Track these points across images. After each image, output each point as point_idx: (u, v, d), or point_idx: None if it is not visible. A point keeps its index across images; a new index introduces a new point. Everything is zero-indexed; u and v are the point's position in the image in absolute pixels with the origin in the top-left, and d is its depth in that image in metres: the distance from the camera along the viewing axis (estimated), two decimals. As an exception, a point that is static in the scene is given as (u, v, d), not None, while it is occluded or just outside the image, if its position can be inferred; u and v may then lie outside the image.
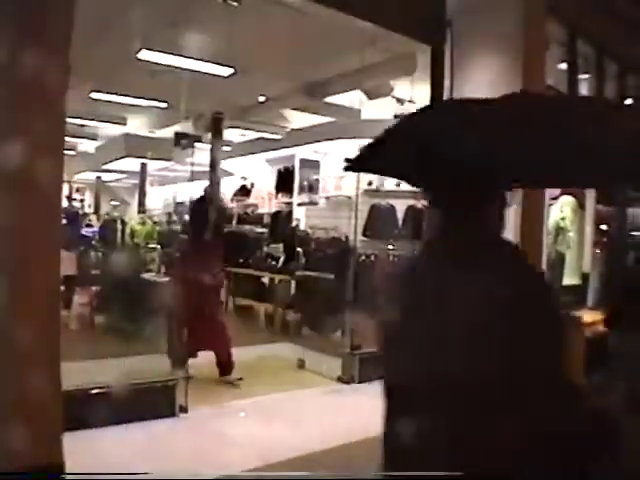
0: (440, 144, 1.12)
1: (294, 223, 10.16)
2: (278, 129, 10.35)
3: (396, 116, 8.77)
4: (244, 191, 12.30)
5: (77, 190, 16.72)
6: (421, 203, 8.05)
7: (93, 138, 12.28)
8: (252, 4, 5.20)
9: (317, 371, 5.68)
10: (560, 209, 6.76)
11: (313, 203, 10.28)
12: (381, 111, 8.46)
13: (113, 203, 14.64)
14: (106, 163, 13.37)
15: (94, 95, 8.06)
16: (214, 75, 6.57)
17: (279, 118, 9.81)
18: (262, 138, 11.15)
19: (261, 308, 8.02)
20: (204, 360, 5.22)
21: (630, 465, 1.13)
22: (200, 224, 5.33)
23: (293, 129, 10.18)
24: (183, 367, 5.09)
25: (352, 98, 7.48)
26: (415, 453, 1.15)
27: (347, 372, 5.45)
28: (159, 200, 16.33)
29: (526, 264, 1.20)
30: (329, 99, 8.42)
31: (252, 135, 11.24)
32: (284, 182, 11.20)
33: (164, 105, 8.72)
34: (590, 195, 7.09)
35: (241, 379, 5.05)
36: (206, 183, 11.17)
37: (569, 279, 6.66)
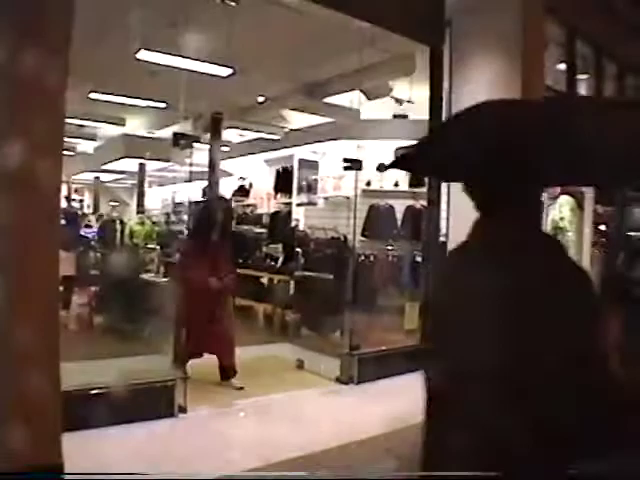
0: (484, 144, 1.16)
1: (293, 223, 10.16)
2: (277, 129, 10.36)
3: (395, 116, 8.81)
4: (243, 191, 12.31)
5: (76, 190, 16.72)
6: (420, 203, 8.06)
7: (92, 138, 12.27)
8: (251, 4, 5.20)
9: (316, 371, 5.68)
10: (559, 209, 6.77)
11: (312, 203, 10.29)
12: (380, 111, 8.48)
13: (112, 203, 14.63)
14: (105, 163, 13.36)
15: (93, 95, 8.06)
16: (213, 75, 6.57)
17: (278, 118, 9.81)
18: (261, 138, 11.15)
19: (260, 308, 8.02)
20: (203, 360, 5.21)
21: None
22: (208, 225, 5.22)
23: (292, 129, 10.19)
24: (184, 368, 5.11)
25: (351, 98, 7.47)
26: (469, 448, 1.16)
27: (346, 372, 5.45)
28: (158, 200, 16.33)
29: (568, 258, 1.24)
30: (328, 99, 8.42)
31: (251, 135, 11.24)
32: (283, 182, 11.21)
33: (163, 105, 8.71)
34: (589, 195, 7.10)
35: (242, 388, 5.02)
36: (205, 183, 11.21)
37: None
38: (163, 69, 6.11)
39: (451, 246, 5.29)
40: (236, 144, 12.05)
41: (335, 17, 5.20)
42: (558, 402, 1.09)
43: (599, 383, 1.10)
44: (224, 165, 11.46)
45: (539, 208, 1.31)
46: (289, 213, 10.74)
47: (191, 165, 6.36)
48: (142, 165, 13.32)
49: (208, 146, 10.34)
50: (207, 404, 4.60)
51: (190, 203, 12.46)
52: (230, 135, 11.30)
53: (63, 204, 8.65)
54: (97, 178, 15.98)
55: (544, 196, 1.33)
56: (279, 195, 11.35)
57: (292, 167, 10.97)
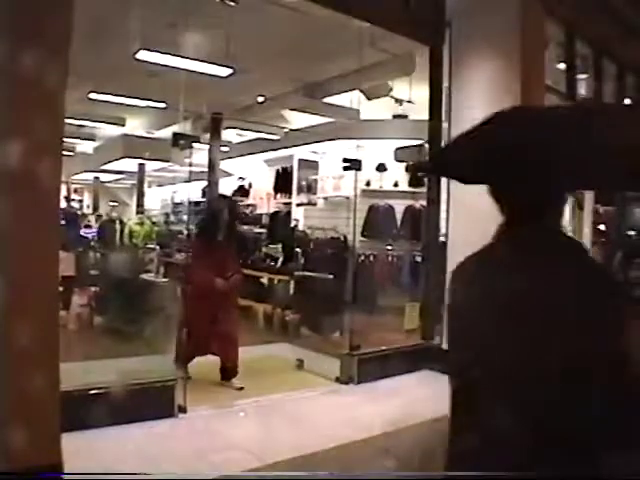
0: (515, 148, 1.20)
1: (293, 223, 10.16)
2: (276, 129, 10.36)
3: (395, 116, 8.82)
4: (243, 191, 12.31)
5: (75, 191, 16.74)
6: (419, 203, 8.07)
7: (91, 139, 12.28)
8: (250, 4, 5.20)
9: (316, 371, 5.68)
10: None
11: (312, 203, 10.29)
12: (380, 111, 8.48)
13: (111, 204, 14.64)
14: (104, 164, 13.37)
15: (92, 96, 8.06)
16: (212, 75, 6.58)
17: (278, 118, 9.81)
18: (260, 138, 11.15)
19: (260, 308, 8.01)
20: (204, 360, 5.21)
21: None
22: (214, 224, 5.18)
23: (292, 129, 10.19)
24: (186, 368, 5.10)
25: (351, 98, 7.47)
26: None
27: (346, 373, 5.45)
28: (157, 200, 16.34)
29: (593, 261, 1.29)
30: (328, 99, 8.42)
31: (251, 135, 11.24)
32: (283, 182, 11.21)
33: (162, 105, 8.71)
34: (588, 195, 7.10)
35: (242, 388, 5.02)
36: (204, 184, 11.21)
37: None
38: (163, 69, 6.11)
39: (451, 246, 5.28)
40: (236, 144, 12.05)
41: (335, 17, 5.20)
42: (591, 403, 1.11)
43: (631, 384, 1.13)
44: (224, 165, 11.46)
45: (563, 211, 1.34)
46: (289, 213, 10.75)
47: (191, 165, 6.36)
48: (142, 165, 13.34)
49: (208, 146, 10.35)
50: (207, 404, 4.59)
51: (190, 203, 12.50)
52: (230, 135, 11.31)
53: (62, 204, 8.67)
54: (97, 178, 15.99)
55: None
56: (279, 195, 11.36)
57: (292, 167, 10.98)
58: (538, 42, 5.67)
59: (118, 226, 11.02)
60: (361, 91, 7.31)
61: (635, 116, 1.28)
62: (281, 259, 8.70)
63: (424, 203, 6.74)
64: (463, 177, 1.53)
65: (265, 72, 7.33)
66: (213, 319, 5.03)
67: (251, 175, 12.53)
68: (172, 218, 14.52)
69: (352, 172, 6.38)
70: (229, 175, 12.49)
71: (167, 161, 11.95)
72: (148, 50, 5.86)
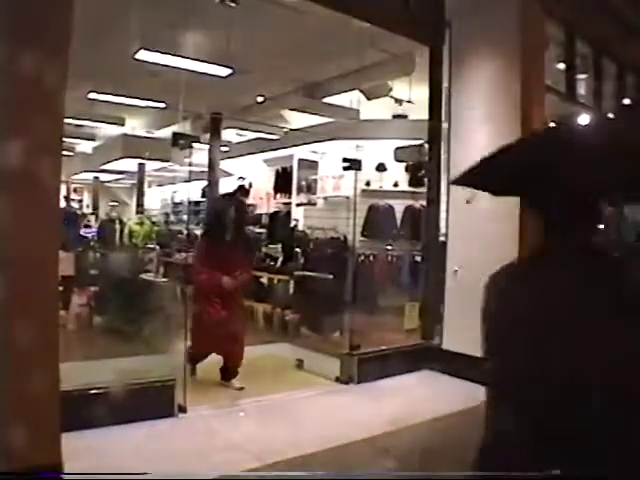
0: (555, 165, 1.23)
1: (292, 223, 10.16)
2: (276, 129, 10.36)
3: (395, 116, 8.82)
4: (243, 191, 12.30)
5: (75, 190, 16.74)
6: (419, 203, 8.07)
7: (91, 138, 12.29)
8: (250, 4, 5.20)
9: (316, 371, 5.67)
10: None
11: (311, 203, 10.29)
12: (380, 111, 8.48)
13: (111, 203, 14.65)
14: (104, 163, 13.36)
15: (92, 95, 8.06)
16: (212, 75, 6.58)
17: (278, 118, 9.81)
18: (260, 138, 11.16)
19: (259, 308, 8.01)
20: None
21: None
22: (221, 222, 5.09)
23: (291, 129, 10.19)
24: (194, 368, 5.13)
25: (351, 98, 7.48)
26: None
27: (345, 372, 5.45)
28: (157, 200, 16.35)
29: (629, 277, 1.28)
30: (328, 99, 8.42)
31: (250, 135, 11.25)
32: (282, 182, 11.22)
33: (162, 105, 8.71)
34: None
35: (242, 388, 5.01)
36: (204, 183, 11.22)
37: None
38: (163, 69, 6.12)
39: (450, 246, 5.27)
40: (236, 144, 12.06)
41: (335, 17, 5.20)
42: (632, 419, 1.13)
43: None
44: (224, 165, 11.47)
45: (598, 226, 1.37)
46: (289, 213, 10.75)
47: (190, 165, 6.37)
48: (141, 165, 13.33)
49: (208, 146, 10.35)
50: (207, 404, 4.59)
51: (190, 203, 12.51)
52: (230, 135, 11.31)
53: (62, 204, 8.67)
54: (96, 178, 15.99)
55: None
56: (279, 195, 11.36)
57: (292, 167, 10.98)
58: (538, 42, 5.66)
59: (118, 226, 11.02)
60: (361, 91, 7.31)
61: None
62: (281, 259, 8.70)
63: (424, 203, 6.74)
64: (501, 191, 1.56)
65: (265, 72, 7.33)
66: (222, 318, 5.00)
67: (251, 175, 12.53)
68: (172, 218, 14.53)
69: (352, 172, 6.39)
70: (229, 175, 12.50)
71: (167, 161, 11.95)
72: (148, 50, 5.86)
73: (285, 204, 11.15)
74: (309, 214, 10.24)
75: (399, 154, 8.34)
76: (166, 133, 9.23)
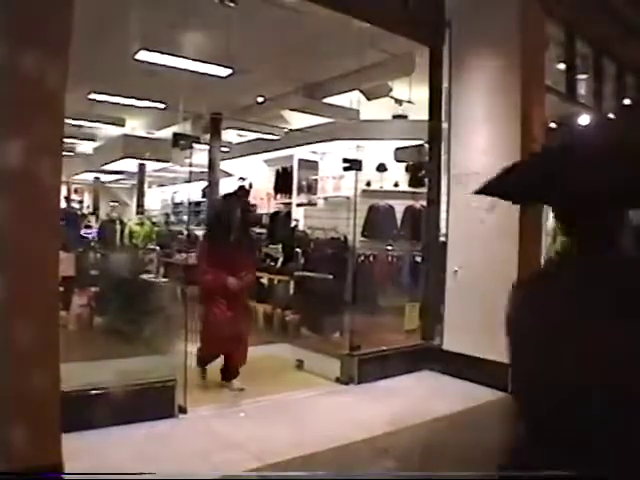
0: (582, 172, 1.24)
1: (293, 224, 10.16)
2: (277, 130, 10.37)
3: (395, 116, 8.83)
4: (242, 192, 12.31)
5: (76, 191, 16.75)
6: (419, 203, 8.07)
7: (91, 139, 12.29)
8: (250, 5, 5.20)
9: (316, 372, 5.67)
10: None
11: (312, 204, 10.30)
12: (380, 111, 8.49)
13: (112, 204, 14.65)
14: (104, 164, 13.37)
15: (92, 96, 8.06)
16: (212, 76, 6.58)
17: (278, 119, 9.82)
18: (261, 139, 11.16)
19: (260, 309, 8.01)
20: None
21: None
22: (226, 222, 5.05)
23: (292, 130, 10.20)
24: (205, 370, 5.13)
25: (351, 98, 7.48)
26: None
27: (346, 373, 5.45)
28: (157, 201, 16.36)
29: None
30: (328, 99, 8.42)
31: (251, 136, 11.25)
32: (283, 183, 11.22)
33: (162, 106, 8.72)
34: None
35: (243, 389, 5.01)
36: (205, 184, 11.22)
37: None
38: (163, 69, 6.12)
39: (451, 246, 5.26)
40: (236, 144, 12.06)
41: (335, 17, 5.20)
42: None
43: None
44: (224, 165, 11.47)
45: (628, 238, 1.38)
46: (289, 213, 10.75)
47: (191, 165, 6.36)
48: (142, 165, 13.34)
49: (208, 146, 10.36)
50: (207, 404, 4.60)
51: (190, 203, 12.51)
52: (230, 135, 11.31)
53: (63, 204, 8.67)
54: (97, 178, 16.00)
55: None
56: (279, 195, 11.36)
57: (292, 167, 10.98)
58: (538, 42, 5.66)
59: (118, 226, 11.02)
60: (361, 91, 7.31)
61: None
62: (281, 259, 8.70)
63: (424, 203, 6.74)
64: (530, 200, 1.55)
65: (265, 72, 7.33)
66: (227, 319, 4.98)
67: (251, 175, 12.54)
68: (172, 218, 14.55)
69: (352, 172, 6.39)
70: (229, 175, 12.50)
71: (167, 161, 11.97)
72: (148, 50, 5.86)
73: (285, 204, 11.15)
74: (309, 214, 10.25)
75: (399, 154, 8.34)
76: (166, 133, 9.23)
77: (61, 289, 4.23)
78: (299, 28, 5.68)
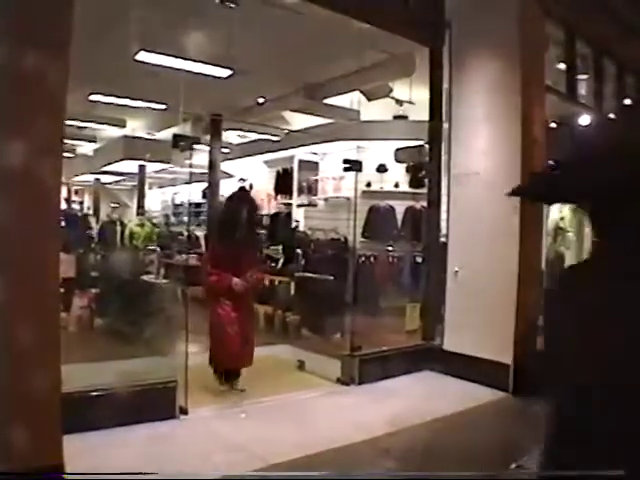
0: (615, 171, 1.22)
1: (293, 224, 10.16)
2: (277, 131, 10.36)
3: (395, 117, 8.83)
4: (244, 192, 12.28)
5: (76, 192, 16.74)
6: (420, 204, 8.07)
7: (92, 140, 12.28)
8: (250, 5, 5.20)
9: (317, 373, 5.68)
10: (559, 209, 6.76)
11: (312, 204, 10.29)
12: (380, 112, 8.49)
13: (112, 205, 14.65)
14: (105, 165, 13.36)
15: (93, 97, 8.06)
16: (213, 77, 6.58)
17: (278, 119, 9.82)
18: (261, 140, 11.16)
19: (260, 310, 8.01)
20: (204, 360, 5.20)
21: None
22: (235, 223, 5.01)
23: (292, 130, 10.20)
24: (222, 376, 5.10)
25: (351, 99, 7.48)
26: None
27: (347, 374, 5.45)
28: (158, 202, 16.36)
29: None
30: (328, 100, 8.43)
31: (251, 137, 11.25)
32: (283, 183, 11.22)
33: (163, 107, 8.72)
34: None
35: (244, 390, 5.00)
36: (205, 185, 11.22)
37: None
38: (163, 70, 6.12)
39: (451, 247, 5.26)
40: (236, 145, 12.05)
41: (335, 18, 5.21)
42: None
43: None
44: (224, 166, 11.47)
45: None
46: (289, 214, 10.75)
47: (191, 167, 6.36)
48: (142, 167, 13.33)
49: (208, 148, 10.35)
50: (208, 405, 4.60)
51: (190, 204, 12.50)
52: (230, 136, 11.31)
53: (63, 206, 8.67)
54: (97, 180, 15.99)
55: None
56: (279, 196, 11.36)
57: (292, 168, 10.98)
58: (538, 42, 5.67)
59: (119, 227, 11.02)
60: (361, 92, 7.32)
61: None
62: (282, 260, 8.69)
63: (425, 204, 6.74)
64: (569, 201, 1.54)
65: (265, 73, 7.33)
66: (236, 322, 4.96)
67: (252, 176, 12.54)
68: (172, 219, 14.55)
69: (352, 173, 6.39)
70: (230, 176, 12.50)
71: (168, 162, 11.95)
72: (148, 51, 5.86)
73: (286, 205, 11.15)
74: (310, 215, 10.25)
75: (400, 155, 8.34)
76: (167, 135, 9.24)
77: (62, 290, 4.23)
78: (299, 29, 5.68)
